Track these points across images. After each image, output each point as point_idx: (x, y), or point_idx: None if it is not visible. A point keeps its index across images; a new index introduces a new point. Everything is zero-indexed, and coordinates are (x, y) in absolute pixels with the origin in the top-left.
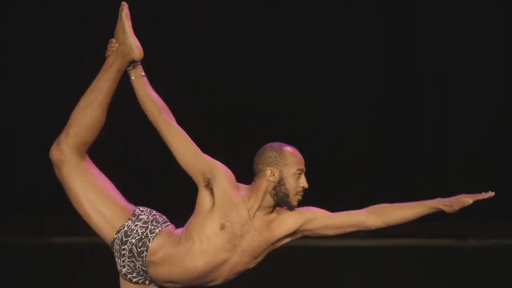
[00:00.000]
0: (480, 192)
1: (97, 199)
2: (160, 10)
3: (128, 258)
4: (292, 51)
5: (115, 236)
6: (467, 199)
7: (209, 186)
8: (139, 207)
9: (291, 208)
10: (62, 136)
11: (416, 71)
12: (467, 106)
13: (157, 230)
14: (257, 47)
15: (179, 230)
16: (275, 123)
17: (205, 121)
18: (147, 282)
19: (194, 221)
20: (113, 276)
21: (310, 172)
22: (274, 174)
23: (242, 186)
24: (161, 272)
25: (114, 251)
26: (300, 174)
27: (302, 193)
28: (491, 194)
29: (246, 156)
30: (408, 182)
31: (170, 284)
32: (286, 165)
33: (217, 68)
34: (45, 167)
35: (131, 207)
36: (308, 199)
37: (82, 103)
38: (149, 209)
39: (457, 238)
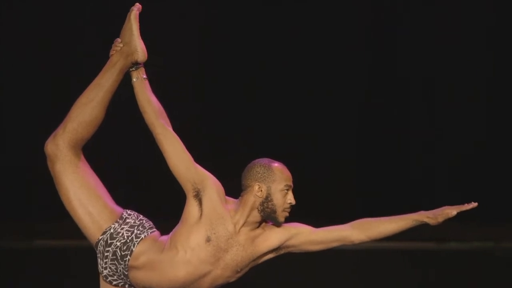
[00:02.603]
0: (463, 203)
1: (86, 198)
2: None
3: (111, 261)
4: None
5: (100, 237)
6: (451, 211)
7: (198, 196)
8: (127, 210)
9: (277, 224)
10: (59, 130)
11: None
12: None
13: (142, 235)
14: (246, 56)
15: (164, 238)
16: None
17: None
18: (126, 286)
19: (180, 230)
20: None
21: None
22: (261, 190)
23: (230, 199)
24: (142, 277)
25: (97, 252)
26: (287, 190)
27: (289, 210)
28: (474, 204)
29: (232, 168)
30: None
31: None
32: (274, 181)
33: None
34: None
35: (119, 209)
36: (293, 212)
37: (83, 99)
38: (136, 213)
39: (438, 241)
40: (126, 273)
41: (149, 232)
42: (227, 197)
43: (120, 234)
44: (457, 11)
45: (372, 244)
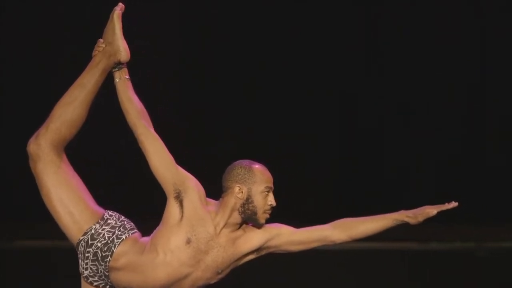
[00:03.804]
0: (444, 203)
1: (68, 199)
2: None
3: (92, 262)
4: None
5: (81, 238)
6: (431, 210)
7: (179, 198)
8: (108, 211)
9: (258, 226)
10: (42, 130)
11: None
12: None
13: (123, 236)
14: (246, 56)
15: (145, 239)
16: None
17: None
18: (107, 287)
19: (160, 232)
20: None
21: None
22: (242, 192)
23: (211, 201)
24: (122, 278)
25: (78, 252)
26: (268, 192)
27: (270, 211)
28: (454, 204)
29: (213, 168)
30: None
31: None
32: (254, 183)
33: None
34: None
35: (100, 210)
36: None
37: (66, 98)
38: (118, 214)
39: (420, 241)
40: (107, 273)
41: (130, 233)
42: (207, 199)
43: (101, 235)
44: (456, 13)
45: (353, 245)
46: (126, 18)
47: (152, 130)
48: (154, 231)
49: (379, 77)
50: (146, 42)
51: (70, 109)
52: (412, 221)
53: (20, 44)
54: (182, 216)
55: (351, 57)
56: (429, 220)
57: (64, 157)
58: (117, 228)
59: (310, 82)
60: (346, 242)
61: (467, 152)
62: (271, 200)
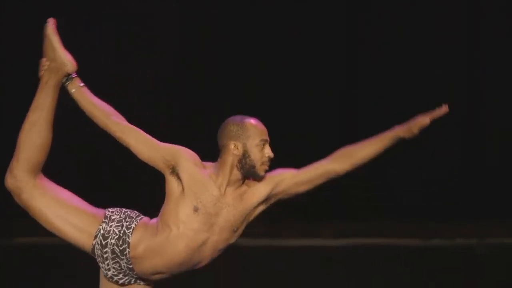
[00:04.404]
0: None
1: (65, 213)
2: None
3: (112, 260)
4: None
5: (93, 242)
6: (424, 119)
7: (174, 172)
8: (108, 209)
9: (258, 178)
10: (14, 163)
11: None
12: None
13: (133, 225)
14: (246, 56)
15: (154, 220)
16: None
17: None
18: (132, 281)
19: (167, 208)
20: (84, 276)
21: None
22: (237, 148)
23: (208, 164)
24: (147, 265)
25: (96, 257)
26: (264, 144)
27: (268, 163)
28: (445, 109)
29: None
30: None
31: (158, 276)
32: (249, 138)
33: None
34: None
35: (100, 211)
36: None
37: (26, 125)
38: (118, 208)
39: (422, 238)
40: (131, 266)
41: (138, 220)
42: (205, 163)
43: (112, 232)
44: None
45: (355, 241)
46: (126, 18)
47: (125, 122)
48: (161, 210)
49: (380, 77)
50: (146, 42)
51: (35, 134)
52: (407, 134)
53: (19, 44)
54: (182, 187)
55: (352, 57)
56: (430, 217)
57: (43, 177)
58: (123, 220)
59: (310, 82)
60: (350, 171)
61: (468, 151)
62: (267, 152)
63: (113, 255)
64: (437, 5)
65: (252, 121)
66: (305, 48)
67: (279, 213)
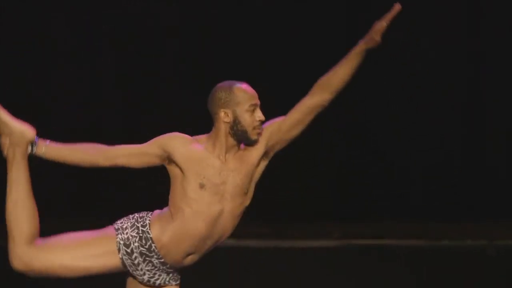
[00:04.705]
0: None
1: (80, 251)
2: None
3: (144, 262)
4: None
5: (120, 256)
6: (381, 23)
7: (171, 161)
8: (116, 222)
9: (251, 143)
10: (10, 244)
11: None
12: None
13: (147, 221)
14: (246, 56)
15: (165, 209)
16: None
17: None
18: (167, 279)
19: (174, 193)
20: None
21: None
22: (228, 115)
23: (201, 137)
24: (175, 252)
25: (129, 268)
26: (254, 109)
27: (260, 127)
28: (397, 7)
29: None
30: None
31: (189, 259)
32: (238, 104)
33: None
34: None
35: (109, 228)
36: None
37: (9, 205)
38: (124, 217)
39: (430, 239)
40: (162, 260)
41: (149, 216)
42: (197, 136)
43: (131, 237)
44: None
45: (365, 242)
46: (126, 19)
47: (105, 148)
48: (170, 198)
49: (380, 77)
50: (147, 42)
51: (19, 210)
52: (372, 43)
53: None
54: (182, 171)
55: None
56: (440, 218)
57: (40, 239)
58: (136, 222)
59: (310, 82)
60: (333, 99)
61: (475, 151)
62: (259, 115)
63: (143, 256)
64: (437, 5)
65: (241, 86)
66: (305, 48)
67: (285, 214)
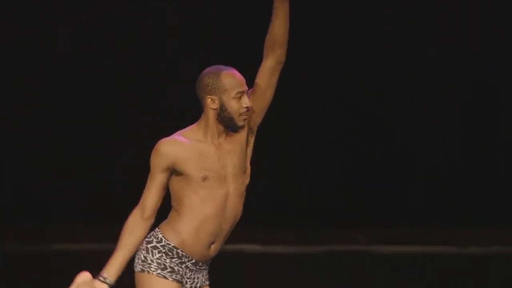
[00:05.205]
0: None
1: None
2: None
3: (185, 270)
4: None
5: (170, 280)
6: None
7: (176, 170)
8: (134, 267)
9: (238, 129)
10: None
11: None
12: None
13: (159, 235)
14: (247, 56)
15: (170, 215)
16: None
17: None
18: (203, 279)
19: (177, 194)
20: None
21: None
22: (214, 102)
23: (188, 129)
24: (198, 246)
25: (184, 283)
26: (241, 96)
27: (246, 113)
28: None
29: None
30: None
31: (213, 248)
32: (225, 91)
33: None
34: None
35: (139, 277)
36: None
37: None
38: (136, 260)
39: (457, 245)
40: (193, 260)
41: (156, 230)
42: (183, 130)
43: (159, 260)
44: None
45: (395, 249)
46: (125, 20)
47: (140, 213)
48: (173, 200)
49: (380, 77)
50: (146, 42)
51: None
52: None
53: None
54: (182, 172)
55: (352, 58)
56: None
57: None
58: (147, 245)
59: (310, 82)
60: (284, 50)
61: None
62: (245, 102)
63: (179, 266)
64: (437, 5)
65: (228, 72)
66: (305, 48)
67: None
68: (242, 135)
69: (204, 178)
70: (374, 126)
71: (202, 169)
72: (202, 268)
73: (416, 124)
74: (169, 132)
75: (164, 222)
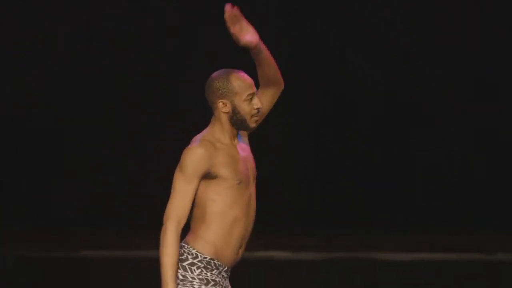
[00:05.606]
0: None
1: None
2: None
3: (224, 280)
4: None
5: None
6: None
7: (211, 176)
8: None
9: (250, 130)
10: None
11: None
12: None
13: (192, 251)
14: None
15: (193, 226)
16: None
17: None
18: (227, 280)
19: (202, 200)
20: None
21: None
22: (226, 105)
23: (208, 132)
24: (230, 252)
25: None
26: (251, 98)
27: (257, 115)
28: (227, 8)
29: None
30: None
31: (240, 251)
32: (236, 94)
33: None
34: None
35: None
36: None
37: None
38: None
39: (486, 252)
40: (226, 268)
41: (185, 247)
42: (204, 132)
43: (200, 276)
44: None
45: (416, 256)
46: (125, 20)
47: (177, 221)
48: (198, 209)
49: (380, 77)
50: (146, 42)
51: None
52: (247, 46)
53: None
54: (217, 178)
55: (352, 58)
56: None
57: None
58: (184, 264)
59: (310, 82)
60: (280, 80)
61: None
62: (256, 103)
63: (218, 276)
64: (437, 5)
65: (237, 75)
66: (305, 49)
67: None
68: (247, 138)
69: (240, 182)
70: (374, 126)
71: (237, 173)
72: (228, 274)
73: (416, 124)
74: (169, 132)
75: (190, 234)
